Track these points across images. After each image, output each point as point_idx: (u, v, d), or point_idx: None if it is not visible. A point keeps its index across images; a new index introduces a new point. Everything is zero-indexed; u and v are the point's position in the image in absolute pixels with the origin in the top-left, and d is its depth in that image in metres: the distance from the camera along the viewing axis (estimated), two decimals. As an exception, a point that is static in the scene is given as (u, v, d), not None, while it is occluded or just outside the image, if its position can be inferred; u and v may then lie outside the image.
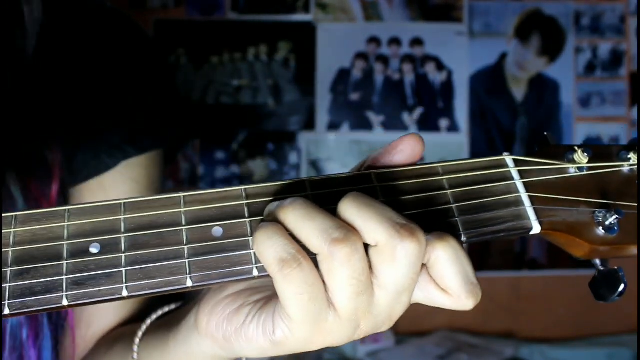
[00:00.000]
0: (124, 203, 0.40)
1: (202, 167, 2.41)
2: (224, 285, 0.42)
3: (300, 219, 0.36)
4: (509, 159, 0.45)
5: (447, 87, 2.43)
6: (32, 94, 0.56)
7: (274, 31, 2.41)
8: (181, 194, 0.41)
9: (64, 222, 0.39)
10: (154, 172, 0.67)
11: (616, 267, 0.43)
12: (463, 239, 0.41)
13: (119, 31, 0.65)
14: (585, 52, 2.44)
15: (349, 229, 0.36)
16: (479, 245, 2.40)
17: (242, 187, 0.41)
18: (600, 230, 0.43)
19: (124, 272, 0.38)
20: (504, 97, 2.44)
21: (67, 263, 0.38)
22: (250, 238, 0.40)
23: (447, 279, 0.38)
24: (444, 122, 2.42)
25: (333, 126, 2.42)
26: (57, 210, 0.40)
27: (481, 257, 2.38)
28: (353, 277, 0.35)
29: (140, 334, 0.56)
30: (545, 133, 0.47)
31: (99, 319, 0.65)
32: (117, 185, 0.63)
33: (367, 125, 2.42)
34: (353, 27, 2.43)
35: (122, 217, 0.40)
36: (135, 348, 0.55)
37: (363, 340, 2.14)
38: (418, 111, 2.43)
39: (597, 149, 0.46)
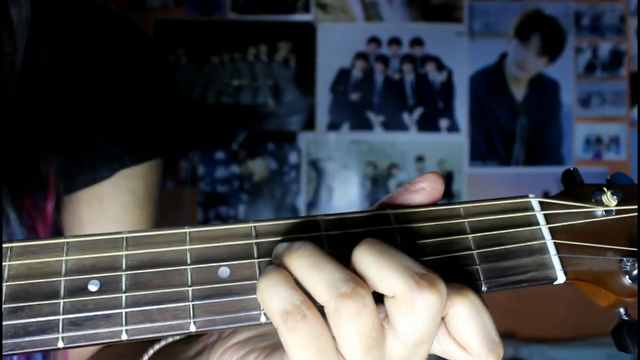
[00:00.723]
0: (126, 237, 0.38)
1: (202, 167, 2.41)
2: (234, 329, 0.40)
3: (306, 267, 0.34)
4: (534, 201, 0.43)
5: (447, 87, 2.43)
6: (23, 102, 0.54)
7: (274, 31, 2.42)
8: (187, 230, 0.38)
9: (62, 257, 0.37)
10: (152, 182, 0.65)
11: None
12: (483, 288, 0.39)
13: (121, 37, 0.63)
14: (585, 52, 2.44)
15: (357, 282, 0.33)
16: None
17: (252, 225, 0.39)
18: (627, 280, 0.41)
19: (123, 313, 0.36)
20: (504, 97, 2.44)
21: (64, 301, 0.36)
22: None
23: (466, 337, 0.36)
24: (444, 122, 2.42)
25: (333, 126, 2.42)
26: (55, 242, 0.37)
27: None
28: (362, 333, 0.33)
29: (146, 357, 0.54)
30: (572, 168, 0.45)
31: None
32: (113, 196, 0.61)
33: (367, 125, 2.42)
34: (353, 27, 2.43)
35: (124, 253, 0.37)
36: None
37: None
38: (418, 111, 2.43)
39: (627, 190, 0.44)
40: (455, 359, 0.37)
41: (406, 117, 2.43)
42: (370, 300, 0.33)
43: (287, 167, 2.42)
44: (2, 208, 0.51)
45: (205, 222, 2.40)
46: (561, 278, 0.40)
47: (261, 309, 0.37)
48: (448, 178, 2.43)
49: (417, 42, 2.43)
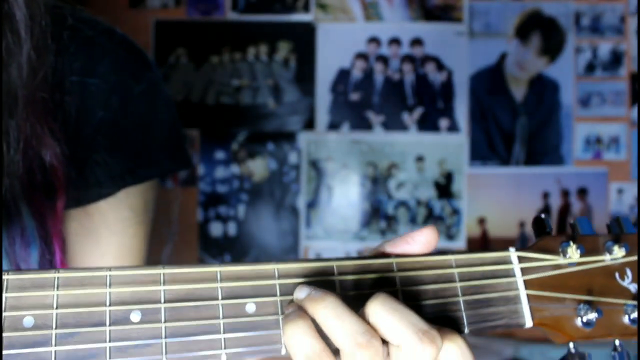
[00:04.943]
0: (163, 273, 0.42)
1: (202, 167, 2.41)
2: None
3: (329, 317, 0.40)
4: (513, 256, 0.50)
5: (447, 87, 2.43)
6: (30, 100, 0.56)
7: (274, 31, 2.42)
8: (217, 268, 0.43)
9: (106, 289, 0.41)
10: (150, 198, 0.69)
11: (586, 353, 0.50)
12: (465, 331, 0.47)
13: (127, 62, 0.66)
14: (585, 52, 2.44)
15: (372, 334, 0.40)
16: (479, 244, 2.40)
17: (275, 266, 0.44)
18: (579, 323, 0.50)
19: (164, 343, 0.40)
20: (504, 97, 2.44)
21: (109, 329, 0.39)
22: (281, 317, 0.43)
23: None
24: (444, 122, 2.42)
25: (333, 126, 2.42)
26: (98, 275, 0.41)
27: (481, 257, 2.38)
28: None
29: None
30: (542, 216, 0.53)
31: None
32: (116, 212, 0.65)
33: (367, 125, 2.42)
34: (353, 27, 2.43)
35: (162, 288, 0.42)
36: None
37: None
38: (418, 111, 2.43)
39: (589, 242, 0.52)
40: None
41: (406, 117, 2.43)
42: (381, 351, 0.40)
43: (287, 167, 2.42)
44: (1, 220, 0.52)
45: (205, 222, 2.40)
46: (529, 324, 0.49)
47: (282, 342, 0.42)
48: (448, 178, 2.43)
49: (417, 42, 2.43)
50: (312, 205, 2.42)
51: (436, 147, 2.42)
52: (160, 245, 2.21)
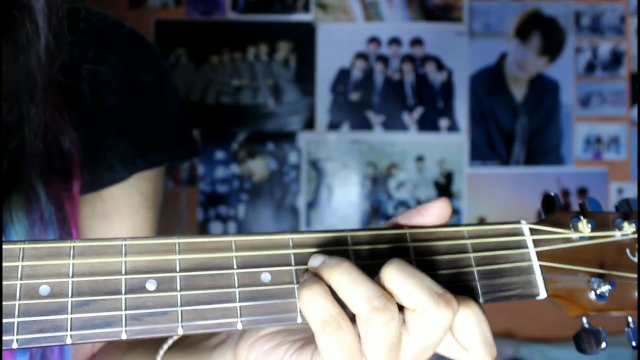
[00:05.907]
0: (179, 242, 0.42)
1: (202, 166, 2.41)
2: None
3: (345, 282, 0.40)
4: (525, 228, 0.50)
5: (447, 87, 2.43)
6: (48, 87, 0.58)
7: (274, 31, 2.42)
8: (232, 238, 0.43)
9: (121, 258, 0.41)
10: (159, 184, 0.71)
11: (600, 328, 0.49)
12: (480, 301, 0.47)
13: (137, 52, 0.68)
14: (585, 52, 2.44)
15: (388, 299, 0.40)
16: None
17: (289, 236, 0.44)
18: (593, 296, 0.50)
19: (179, 311, 0.40)
20: (504, 97, 2.44)
21: (125, 298, 0.40)
22: (296, 286, 0.43)
23: (468, 340, 0.43)
24: (444, 122, 2.43)
25: (333, 126, 2.42)
26: (113, 244, 0.41)
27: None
28: (387, 339, 0.40)
29: (166, 346, 0.59)
30: (553, 194, 0.53)
31: None
32: (127, 197, 0.66)
33: (367, 125, 2.42)
34: (353, 27, 2.43)
35: (177, 257, 0.42)
36: (159, 359, 0.58)
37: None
38: (418, 111, 2.43)
39: (599, 218, 0.52)
40: (455, 357, 0.45)
41: (406, 117, 2.43)
42: (397, 314, 0.40)
43: (287, 167, 2.42)
44: (1, 204, 0.53)
45: (205, 222, 2.40)
46: (543, 294, 0.49)
47: (298, 311, 0.42)
48: (448, 178, 2.43)
49: (417, 42, 2.43)
50: (312, 205, 2.42)
51: (436, 147, 2.42)
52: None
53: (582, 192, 2.43)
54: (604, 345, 0.48)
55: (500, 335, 2.31)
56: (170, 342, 0.59)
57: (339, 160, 2.42)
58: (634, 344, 0.51)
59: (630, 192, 2.42)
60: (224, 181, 2.41)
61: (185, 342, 0.58)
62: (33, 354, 0.56)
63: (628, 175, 2.44)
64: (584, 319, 0.50)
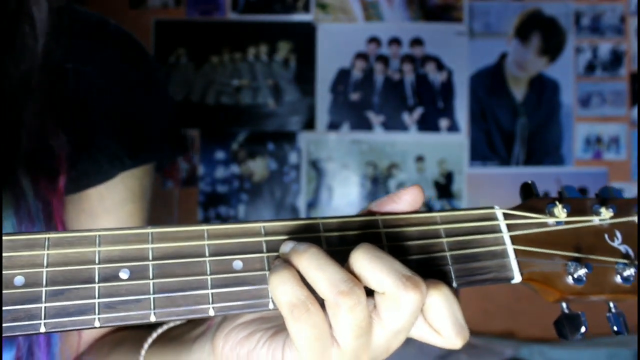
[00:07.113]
0: (152, 232, 0.43)
1: (202, 167, 2.41)
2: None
3: (312, 267, 0.40)
4: (499, 212, 0.50)
5: (447, 87, 2.43)
6: (40, 89, 0.59)
7: (274, 31, 2.42)
8: (205, 227, 0.44)
9: (95, 248, 0.41)
10: (147, 183, 0.71)
11: (579, 312, 0.49)
12: (454, 285, 0.47)
13: (127, 54, 0.68)
14: (585, 52, 2.44)
15: (355, 282, 0.40)
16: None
17: (262, 224, 0.45)
18: (570, 280, 0.49)
19: (152, 299, 0.41)
20: (504, 97, 2.44)
21: (99, 286, 0.40)
22: (267, 272, 0.43)
23: (439, 322, 0.43)
24: (444, 122, 2.43)
25: (333, 126, 2.42)
26: (88, 235, 0.42)
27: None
28: (355, 323, 0.40)
29: (150, 340, 0.59)
30: (530, 182, 0.53)
31: None
32: (114, 195, 0.66)
33: (367, 125, 2.42)
34: (353, 27, 2.43)
35: (150, 246, 0.42)
36: (143, 352, 0.59)
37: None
38: (418, 111, 2.43)
39: (575, 204, 0.52)
40: (429, 341, 0.45)
41: (406, 117, 2.43)
42: (364, 298, 0.40)
43: (287, 167, 2.42)
44: (1, 205, 0.53)
45: (205, 222, 2.40)
46: (517, 278, 0.48)
47: (270, 297, 0.43)
48: (448, 178, 2.43)
49: (417, 42, 2.43)
50: (312, 205, 2.42)
51: (436, 147, 2.42)
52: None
53: (582, 192, 2.43)
54: (583, 329, 0.48)
55: (500, 335, 2.31)
56: (154, 335, 0.60)
57: (339, 160, 2.42)
58: (615, 328, 0.51)
59: (631, 192, 2.42)
60: (224, 181, 2.41)
61: (168, 337, 0.58)
62: (21, 349, 0.57)
63: (628, 175, 2.44)
64: (564, 304, 0.50)
